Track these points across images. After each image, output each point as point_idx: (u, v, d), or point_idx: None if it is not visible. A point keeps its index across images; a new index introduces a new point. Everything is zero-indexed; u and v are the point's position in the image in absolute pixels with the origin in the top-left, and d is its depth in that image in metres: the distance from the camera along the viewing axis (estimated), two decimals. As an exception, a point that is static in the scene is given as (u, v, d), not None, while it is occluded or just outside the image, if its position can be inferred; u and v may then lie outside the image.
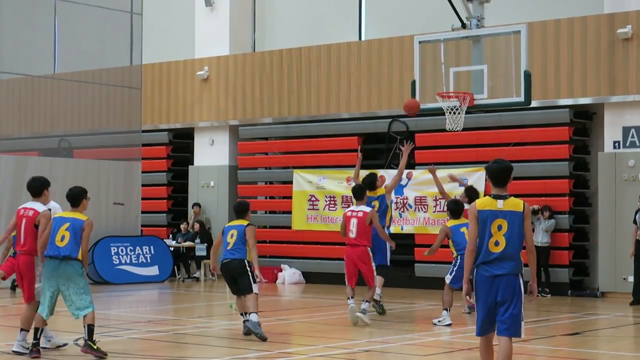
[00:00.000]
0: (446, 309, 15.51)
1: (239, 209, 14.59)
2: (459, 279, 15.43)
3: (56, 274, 11.94)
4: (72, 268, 11.91)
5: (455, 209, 15.93)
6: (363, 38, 24.81)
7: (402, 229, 22.65)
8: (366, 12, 25.01)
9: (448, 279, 15.85)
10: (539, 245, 20.52)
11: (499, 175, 9.34)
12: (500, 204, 9.24)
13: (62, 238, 11.94)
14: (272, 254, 24.97)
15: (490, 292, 9.23)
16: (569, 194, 21.11)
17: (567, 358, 12.64)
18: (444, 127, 17.43)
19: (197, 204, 25.57)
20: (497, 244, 9.13)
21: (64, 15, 26.50)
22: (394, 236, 22.80)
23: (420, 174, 22.54)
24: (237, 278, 14.34)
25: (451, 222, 15.87)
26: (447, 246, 16.01)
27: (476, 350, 13.01)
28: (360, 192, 15.75)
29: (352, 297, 15.47)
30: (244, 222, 14.36)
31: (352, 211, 15.62)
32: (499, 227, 9.16)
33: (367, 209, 15.51)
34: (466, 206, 15.70)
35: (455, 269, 15.75)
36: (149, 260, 23.96)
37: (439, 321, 15.49)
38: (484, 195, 21.15)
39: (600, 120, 21.07)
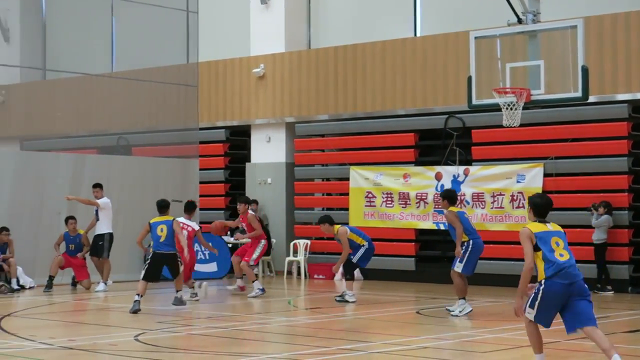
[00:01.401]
0: (463, 298, 15.64)
1: (162, 204, 17.62)
2: (471, 266, 16.00)
3: None
4: None
5: (452, 196, 16.70)
6: (418, 34, 24.76)
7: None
8: (421, 7, 24.95)
9: (459, 267, 15.99)
10: (594, 242, 20.37)
11: (543, 210, 10.66)
12: (550, 226, 10.53)
13: None
14: (330, 250, 24.99)
15: (564, 297, 10.31)
16: (628, 190, 20.92)
17: (627, 355, 12.53)
18: (501, 123, 17.37)
19: (254, 201, 25.62)
20: (562, 255, 10.33)
21: (121, 15, 26.79)
22: (449, 232, 22.92)
23: (477, 170, 22.46)
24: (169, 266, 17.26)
25: (455, 209, 16.40)
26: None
27: (527, 348, 12.99)
28: None
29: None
30: (170, 218, 17.35)
31: None
32: (557, 244, 10.37)
33: None
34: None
35: (467, 255, 16.00)
36: (207, 257, 24.11)
37: (459, 312, 15.56)
38: (542, 192, 21.08)
39: (660, 115, 20.87)
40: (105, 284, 20.79)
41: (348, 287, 18.40)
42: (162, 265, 17.24)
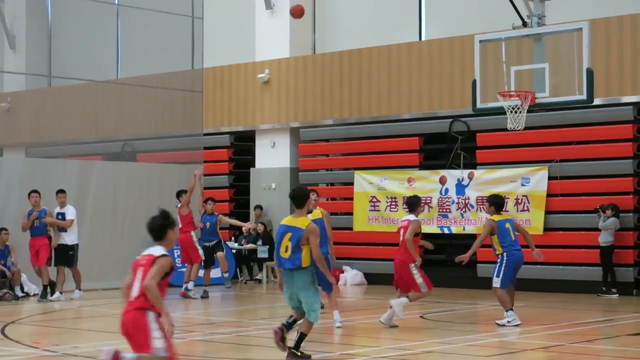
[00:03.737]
0: (510, 309, 15.25)
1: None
2: (508, 278, 15.30)
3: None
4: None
5: (499, 202, 15.92)
6: (423, 38, 24.72)
7: (464, 229, 22.57)
8: (426, 12, 24.92)
9: (497, 281, 15.27)
10: (601, 244, 20.29)
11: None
12: None
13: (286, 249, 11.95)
14: (334, 255, 24.92)
15: None
16: (634, 192, 20.85)
17: (633, 358, 12.49)
18: (506, 126, 17.31)
19: (258, 206, 25.66)
20: None
21: (127, 21, 26.80)
22: (455, 236, 22.86)
23: (481, 174, 22.42)
24: None
25: (496, 217, 15.60)
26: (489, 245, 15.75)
27: (540, 351, 12.95)
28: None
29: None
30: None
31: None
32: None
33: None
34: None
35: (502, 268, 15.30)
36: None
37: (508, 322, 15.19)
38: (546, 194, 21.04)
39: (665, 117, 20.81)
40: (80, 290, 20.63)
41: None
42: None
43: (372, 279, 24.12)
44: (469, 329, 15.30)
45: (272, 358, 12.39)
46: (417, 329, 15.50)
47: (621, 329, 14.96)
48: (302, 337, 11.90)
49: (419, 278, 15.17)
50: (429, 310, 17.45)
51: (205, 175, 25.32)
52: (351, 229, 24.52)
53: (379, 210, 23.96)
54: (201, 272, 21.58)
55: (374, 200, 24.00)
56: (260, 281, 24.88)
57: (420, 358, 12.49)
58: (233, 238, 26.19)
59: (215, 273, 23.86)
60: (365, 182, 24.19)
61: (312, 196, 15.15)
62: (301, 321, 11.92)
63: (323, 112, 25.23)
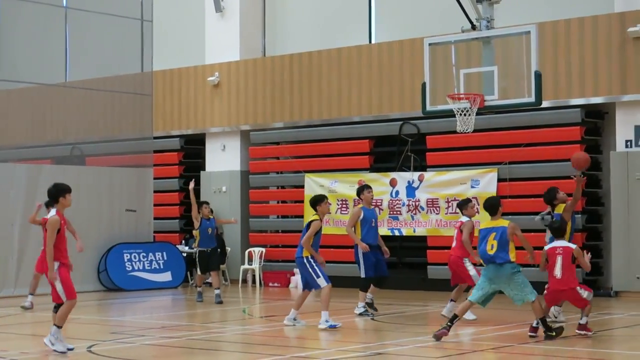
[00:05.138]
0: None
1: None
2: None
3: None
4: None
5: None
6: (373, 41, 24.79)
7: (414, 231, 22.65)
8: (376, 15, 25.00)
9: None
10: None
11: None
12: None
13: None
14: (285, 258, 24.96)
15: None
16: (582, 194, 21.01)
17: (582, 358, 12.59)
18: (455, 128, 17.38)
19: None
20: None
21: (75, 24, 26.55)
22: (406, 238, 22.95)
23: (431, 176, 22.51)
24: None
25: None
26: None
27: (490, 352, 13.03)
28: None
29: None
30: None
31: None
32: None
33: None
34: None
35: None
36: (161, 267, 23.98)
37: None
38: (495, 195, 21.17)
39: (612, 120, 21.01)
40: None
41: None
42: None
43: (323, 282, 24.07)
44: (419, 331, 15.34)
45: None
46: (368, 331, 15.53)
47: (570, 328, 15.03)
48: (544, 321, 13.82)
49: (472, 270, 16.23)
50: (380, 312, 17.47)
51: (155, 178, 25.22)
52: (302, 231, 24.45)
53: (329, 213, 23.93)
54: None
55: (325, 203, 23.95)
56: (210, 284, 24.75)
57: (371, 359, 12.51)
58: (183, 241, 26.08)
59: (163, 277, 23.81)
60: (315, 185, 24.19)
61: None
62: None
63: (273, 115, 25.21)
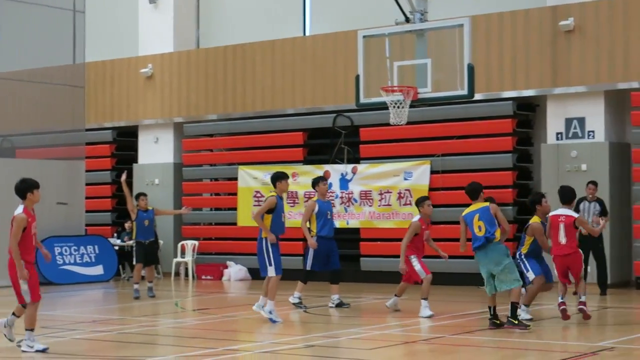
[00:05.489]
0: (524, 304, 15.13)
1: None
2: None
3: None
4: None
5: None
6: (307, 33, 24.77)
7: (347, 223, 22.68)
8: (310, 7, 24.97)
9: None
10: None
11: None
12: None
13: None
14: (218, 250, 24.90)
15: None
16: (513, 186, 21.24)
17: (512, 349, 12.68)
18: (389, 121, 17.41)
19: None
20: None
21: (6, 14, 26.16)
22: (339, 230, 22.94)
23: (365, 169, 22.56)
24: None
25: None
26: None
27: (421, 343, 13.08)
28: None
29: None
30: None
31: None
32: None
33: None
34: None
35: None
36: (93, 260, 23.75)
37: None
38: (429, 189, 21.29)
39: (543, 112, 21.23)
40: None
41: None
42: None
43: (256, 274, 24.04)
44: (352, 323, 15.36)
45: (154, 355, 12.23)
46: (301, 324, 15.52)
47: (500, 320, 15.14)
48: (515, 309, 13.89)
49: (417, 265, 15.89)
50: (313, 305, 17.46)
51: (87, 171, 24.97)
52: (235, 224, 24.43)
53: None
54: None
55: (258, 195, 23.95)
56: (142, 277, 24.55)
57: (304, 352, 12.49)
58: (115, 234, 25.86)
59: (94, 270, 23.58)
60: (249, 177, 24.13)
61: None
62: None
63: (207, 108, 25.09)
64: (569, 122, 20.66)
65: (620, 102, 20.70)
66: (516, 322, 13.80)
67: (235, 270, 24.08)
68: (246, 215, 24.08)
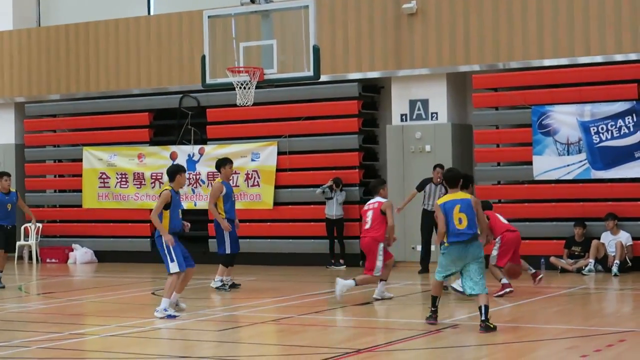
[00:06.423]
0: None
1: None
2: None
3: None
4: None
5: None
6: (152, 13, 24.51)
7: (195, 204, 22.60)
8: (155, -14, 24.72)
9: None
10: (334, 217, 20.88)
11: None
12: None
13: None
14: (63, 233, 24.50)
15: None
16: (359, 167, 21.51)
17: (360, 327, 12.86)
18: (235, 102, 17.39)
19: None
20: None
21: None
22: (187, 212, 22.82)
23: (212, 150, 22.50)
24: None
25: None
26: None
27: (270, 324, 13.14)
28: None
29: None
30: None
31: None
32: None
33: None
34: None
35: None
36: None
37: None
38: (276, 169, 21.36)
39: (388, 94, 21.55)
40: None
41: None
42: None
43: (103, 257, 23.80)
44: (200, 304, 15.33)
45: None
46: (148, 306, 15.39)
47: (349, 298, 15.35)
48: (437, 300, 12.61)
49: (380, 262, 14.97)
50: (161, 287, 17.34)
51: None
52: (80, 206, 24.06)
53: (109, 187, 23.62)
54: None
55: (104, 176, 23.64)
56: None
57: (151, 334, 12.41)
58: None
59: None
60: (94, 159, 23.78)
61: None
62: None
63: (49, 87, 24.59)
64: (413, 103, 21.02)
65: (461, 85, 21.18)
66: (492, 325, 11.97)
67: (81, 253, 23.72)
68: (92, 197, 23.76)
